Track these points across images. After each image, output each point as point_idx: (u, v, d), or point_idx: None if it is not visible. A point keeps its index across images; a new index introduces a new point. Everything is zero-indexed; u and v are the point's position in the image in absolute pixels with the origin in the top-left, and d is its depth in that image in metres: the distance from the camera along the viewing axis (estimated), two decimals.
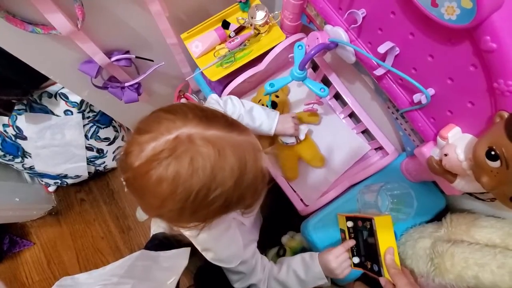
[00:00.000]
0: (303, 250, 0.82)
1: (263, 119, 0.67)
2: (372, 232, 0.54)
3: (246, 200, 0.40)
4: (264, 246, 0.90)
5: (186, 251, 0.72)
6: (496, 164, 0.36)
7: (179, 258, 0.71)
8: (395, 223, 0.56)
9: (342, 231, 0.62)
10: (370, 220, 0.54)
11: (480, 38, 0.33)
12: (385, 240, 0.52)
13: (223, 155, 0.35)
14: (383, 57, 0.49)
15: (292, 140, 0.74)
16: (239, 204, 0.40)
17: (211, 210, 0.37)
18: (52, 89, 0.86)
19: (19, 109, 0.87)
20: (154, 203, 0.36)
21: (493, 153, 0.36)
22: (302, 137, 0.74)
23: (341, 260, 0.56)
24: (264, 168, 0.41)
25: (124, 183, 0.38)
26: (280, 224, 0.91)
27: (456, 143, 0.44)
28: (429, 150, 0.51)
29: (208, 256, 0.53)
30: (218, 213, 0.39)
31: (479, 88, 0.38)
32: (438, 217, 0.65)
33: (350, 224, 0.59)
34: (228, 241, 0.54)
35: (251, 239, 0.60)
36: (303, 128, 0.74)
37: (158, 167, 0.33)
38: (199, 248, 0.54)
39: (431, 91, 0.45)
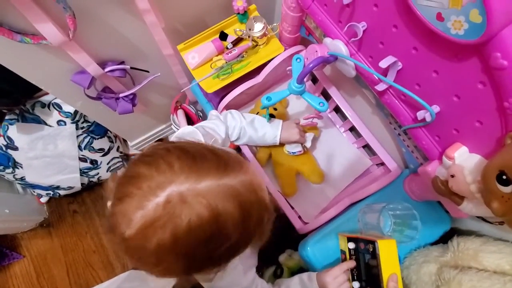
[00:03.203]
0: (302, 270, 0.78)
1: (267, 128, 0.64)
2: (374, 256, 0.51)
3: (254, 241, 0.36)
4: (260, 265, 0.86)
5: None
6: (508, 189, 0.33)
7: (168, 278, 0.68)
8: (398, 244, 0.53)
9: (342, 252, 0.59)
10: (373, 242, 0.51)
11: (490, 54, 0.31)
12: (389, 266, 0.49)
13: (222, 208, 0.31)
14: (384, 72, 0.46)
15: (299, 149, 0.71)
16: (246, 247, 0.36)
17: (219, 263, 0.35)
18: (45, 98, 0.85)
19: (11, 119, 0.85)
20: (156, 268, 0.32)
21: (504, 177, 0.33)
22: (308, 144, 0.71)
23: (339, 282, 0.54)
24: (269, 205, 0.37)
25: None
26: (277, 242, 0.88)
27: (464, 164, 0.41)
28: (434, 170, 0.48)
29: (205, 285, 0.50)
30: (228, 261, 0.36)
31: (488, 107, 0.36)
32: (443, 238, 0.62)
33: (351, 245, 0.56)
34: (227, 269, 0.50)
35: (250, 264, 0.57)
36: (309, 135, 0.71)
37: (153, 236, 0.30)
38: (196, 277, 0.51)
39: (436, 108, 0.43)
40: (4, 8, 0.47)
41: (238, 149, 0.74)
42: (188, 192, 0.30)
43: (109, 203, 0.36)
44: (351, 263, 0.55)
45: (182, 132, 0.53)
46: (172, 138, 0.51)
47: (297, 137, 0.67)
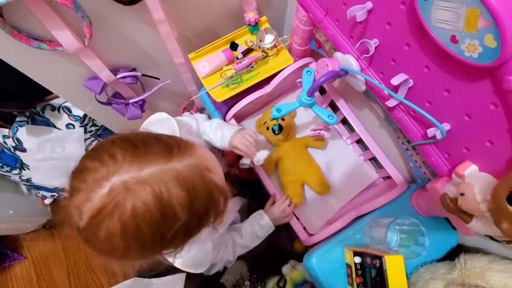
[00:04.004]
0: (305, 281, 0.78)
1: (224, 130, 0.63)
2: (381, 272, 0.51)
3: (210, 218, 0.38)
4: (263, 275, 0.86)
5: (181, 277, 0.69)
6: None
7: (173, 285, 0.68)
8: (404, 260, 0.52)
9: (348, 266, 0.59)
10: (380, 258, 0.51)
11: (503, 77, 0.31)
12: (396, 282, 0.49)
13: (167, 192, 0.32)
14: (395, 88, 0.47)
15: (246, 162, 0.64)
16: (204, 224, 0.38)
17: (174, 243, 0.36)
18: (55, 102, 0.86)
19: (21, 121, 0.86)
20: (114, 255, 0.34)
21: None
22: (256, 163, 0.62)
23: (284, 206, 0.70)
24: (220, 185, 0.38)
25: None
26: (281, 252, 0.87)
27: (473, 183, 0.41)
28: (443, 187, 0.48)
29: (177, 262, 0.51)
30: (184, 241, 0.37)
31: (500, 128, 0.36)
32: (449, 254, 0.62)
33: (357, 259, 0.56)
34: (197, 250, 0.53)
35: (220, 241, 0.62)
36: (261, 154, 0.61)
37: (102, 225, 0.31)
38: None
39: (446, 126, 0.43)
40: (24, 15, 0.48)
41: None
42: (131, 180, 0.32)
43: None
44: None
45: (155, 118, 0.56)
46: (143, 125, 0.54)
47: (244, 149, 0.60)
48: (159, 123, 0.55)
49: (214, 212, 0.38)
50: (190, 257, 0.52)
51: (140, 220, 0.31)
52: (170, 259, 0.50)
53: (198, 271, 0.55)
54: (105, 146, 0.35)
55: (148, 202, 0.32)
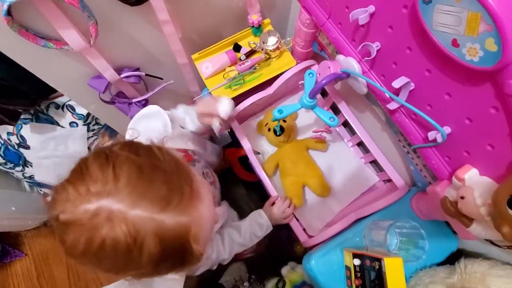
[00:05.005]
0: (304, 283, 0.78)
1: (188, 109, 0.64)
2: (380, 274, 0.50)
3: (170, 272, 0.37)
4: (262, 276, 0.85)
5: (181, 277, 0.69)
6: None
7: (173, 285, 0.68)
8: (404, 263, 0.52)
9: (347, 268, 0.59)
10: (379, 260, 0.51)
11: (504, 81, 0.32)
12: (395, 285, 0.49)
13: (141, 242, 0.31)
14: (396, 91, 0.47)
15: (216, 123, 0.60)
16: (160, 275, 0.37)
17: (127, 275, 0.35)
18: (60, 100, 0.87)
19: (25, 118, 0.87)
20: (74, 258, 0.34)
21: None
22: (224, 116, 0.57)
23: (282, 209, 0.69)
24: (196, 252, 0.35)
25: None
26: (280, 253, 0.87)
27: (474, 186, 0.41)
28: (444, 190, 0.48)
29: None
30: (138, 277, 0.36)
31: (500, 131, 0.36)
32: (449, 259, 0.61)
33: (357, 262, 0.56)
34: None
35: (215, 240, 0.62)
36: (223, 104, 0.57)
37: (70, 233, 0.31)
38: None
39: (447, 130, 0.43)
40: (32, 15, 0.49)
41: (246, 157, 0.75)
42: (117, 213, 0.31)
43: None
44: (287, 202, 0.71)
45: (145, 113, 0.55)
46: (132, 124, 0.54)
47: (206, 109, 0.59)
48: (149, 117, 0.55)
49: (177, 270, 0.37)
50: None
51: (102, 252, 0.31)
52: None
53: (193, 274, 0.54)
54: (118, 160, 0.33)
55: (120, 241, 0.30)
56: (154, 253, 0.32)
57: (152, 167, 0.34)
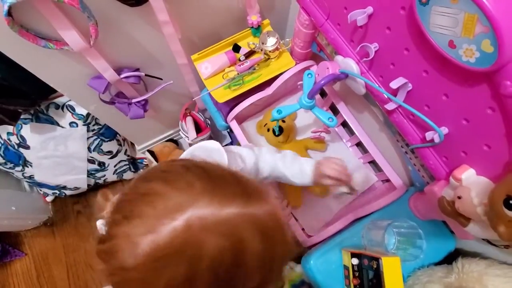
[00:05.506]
0: (303, 282, 0.78)
1: (301, 162, 0.56)
2: (378, 273, 0.51)
3: (271, 284, 0.32)
4: None
5: None
6: None
7: None
8: (402, 262, 0.53)
9: (346, 267, 0.59)
10: (377, 259, 0.51)
11: (500, 82, 0.32)
12: (393, 283, 0.49)
13: (247, 243, 0.26)
14: (394, 92, 0.47)
15: (344, 190, 0.58)
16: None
17: None
18: (60, 100, 0.87)
19: (25, 118, 0.87)
20: None
21: (511, 202, 0.34)
22: (357, 187, 0.57)
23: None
24: (291, 240, 0.32)
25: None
26: None
27: (471, 186, 0.42)
28: (441, 190, 0.48)
29: None
30: None
31: (497, 132, 0.36)
32: (447, 258, 0.62)
33: (355, 261, 0.56)
34: None
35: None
36: (359, 176, 0.54)
37: (163, 269, 0.24)
38: None
39: (444, 130, 0.43)
40: (32, 15, 0.49)
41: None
42: (212, 218, 0.25)
43: (100, 223, 0.33)
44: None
45: (205, 146, 0.47)
46: (188, 151, 0.47)
47: (338, 175, 0.54)
48: (206, 151, 0.47)
49: (278, 273, 0.32)
50: None
51: (213, 272, 0.25)
52: None
53: None
54: (179, 171, 0.29)
55: (226, 250, 0.25)
56: (261, 254, 0.27)
57: (214, 167, 0.31)
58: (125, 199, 0.29)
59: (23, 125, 0.88)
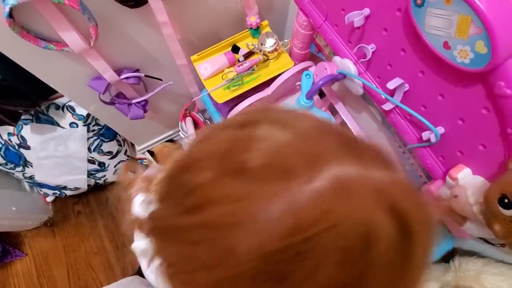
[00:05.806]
0: None
1: None
2: None
3: None
4: None
5: None
6: (510, 212, 0.34)
7: None
8: None
9: None
10: None
11: (494, 83, 0.33)
12: None
13: (408, 215, 0.18)
14: (391, 92, 0.48)
15: None
16: None
17: None
18: (60, 101, 0.87)
19: (25, 119, 0.88)
20: None
21: (506, 200, 0.34)
22: None
23: None
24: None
25: None
26: None
27: (467, 185, 0.42)
28: (438, 189, 0.49)
29: None
30: None
31: (492, 131, 0.37)
32: (444, 257, 0.62)
33: None
34: None
35: None
36: None
37: (312, 250, 0.16)
38: None
39: (441, 130, 0.44)
40: (33, 17, 0.50)
41: None
42: (361, 179, 0.18)
43: (141, 199, 0.29)
44: None
45: None
46: None
47: None
48: None
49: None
50: None
51: (386, 252, 0.17)
52: None
53: None
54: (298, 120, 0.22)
55: (388, 230, 0.17)
56: (428, 236, 0.20)
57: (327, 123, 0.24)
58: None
59: (24, 126, 0.89)
